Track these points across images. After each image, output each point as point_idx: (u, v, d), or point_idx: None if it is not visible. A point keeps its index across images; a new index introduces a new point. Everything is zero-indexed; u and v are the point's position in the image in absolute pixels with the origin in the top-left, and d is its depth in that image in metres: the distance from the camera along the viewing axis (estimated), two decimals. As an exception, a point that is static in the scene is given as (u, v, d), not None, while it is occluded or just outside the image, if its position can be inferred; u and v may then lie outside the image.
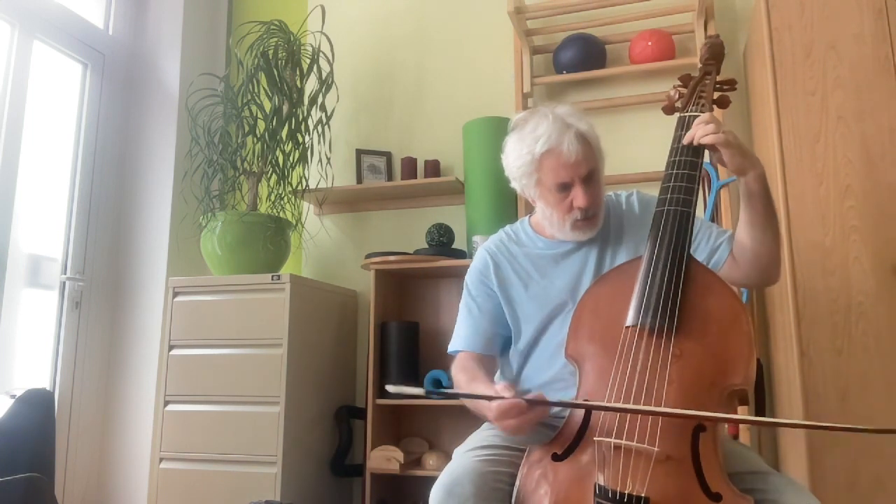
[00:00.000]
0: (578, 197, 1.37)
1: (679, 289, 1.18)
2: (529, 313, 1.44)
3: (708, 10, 2.47)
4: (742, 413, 2.07)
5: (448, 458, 1.29)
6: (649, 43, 2.49)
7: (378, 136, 2.93)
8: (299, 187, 2.71)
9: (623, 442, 1.08)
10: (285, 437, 2.24)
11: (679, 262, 1.20)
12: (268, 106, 2.64)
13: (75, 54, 2.70)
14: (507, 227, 1.58)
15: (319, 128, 2.69)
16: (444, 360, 2.23)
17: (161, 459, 2.33)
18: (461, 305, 1.52)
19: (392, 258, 2.49)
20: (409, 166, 2.75)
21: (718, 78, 1.46)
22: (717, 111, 1.65)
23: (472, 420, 1.36)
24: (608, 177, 2.11)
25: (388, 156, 2.87)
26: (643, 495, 1.03)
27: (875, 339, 1.77)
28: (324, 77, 2.69)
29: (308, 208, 2.93)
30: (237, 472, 2.25)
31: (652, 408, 1.09)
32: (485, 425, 1.42)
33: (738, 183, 1.32)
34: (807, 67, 1.95)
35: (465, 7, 2.90)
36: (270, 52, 2.63)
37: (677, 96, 1.47)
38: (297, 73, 2.70)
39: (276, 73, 2.61)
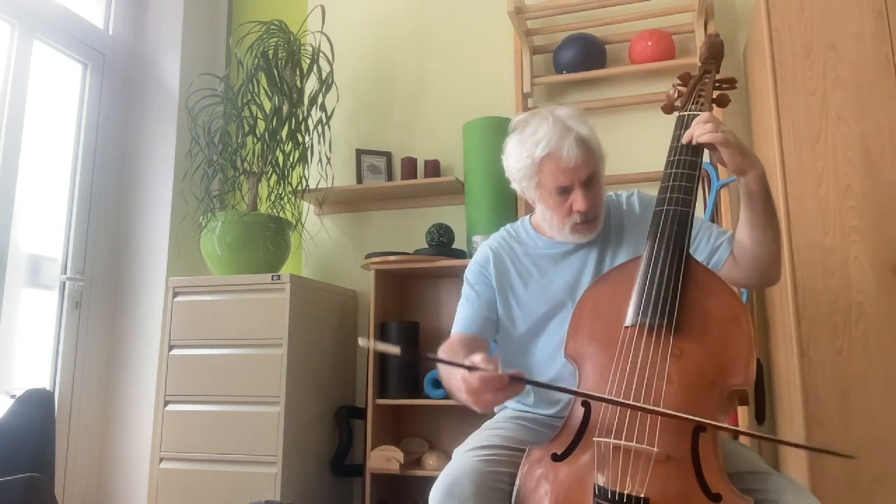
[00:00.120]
0: (578, 201, 1.37)
1: (678, 288, 1.17)
2: (528, 310, 1.45)
3: (708, 10, 2.46)
4: (742, 413, 2.07)
5: (448, 458, 1.29)
6: (649, 43, 2.49)
7: (378, 136, 2.93)
8: (299, 187, 2.71)
9: (623, 442, 1.08)
10: (285, 437, 2.24)
11: (678, 262, 1.20)
12: (268, 106, 2.64)
13: (75, 54, 2.70)
14: (508, 226, 1.58)
15: (319, 128, 2.69)
16: (444, 360, 2.23)
17: (161, 459, 2.33)
18: (461, 298, 1.53)
19: (392, 258, 2.49)
20: (409, 166, 2.75)
21: (718, 76, 1.46)
22: (716, 110, 1.66)
23: (472, 420, 1.36)
24: (608, 177, 2.11)
25: (388, 156, 2.87)
26: (643, 496, 1.03)
27: (875, 339, 1.77)
28: (324, 77, 2.69)
29: (308, 208, 2.93)
30: (237, 472, 2.25)
31: (636, 403, 1.08)
32: (485, 425, 1.42)
33: (737, 183, 1.32)
34: (807, 67, 1.94)
35: (465, 7, 2.90)
36: (270, 52, 2.63)
37: (676, 95, 1.46)
38: (297, 73, 2.70)
39: (276, 73, 2.61)
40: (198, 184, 2.68)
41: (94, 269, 2.70)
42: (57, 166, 2.64)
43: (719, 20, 2.53)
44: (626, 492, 1.03)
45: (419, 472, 2.33)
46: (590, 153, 1.37)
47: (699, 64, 1.49)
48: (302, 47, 2.75)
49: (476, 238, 2.42)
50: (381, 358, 2.44)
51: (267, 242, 2.48)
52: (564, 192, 1.38)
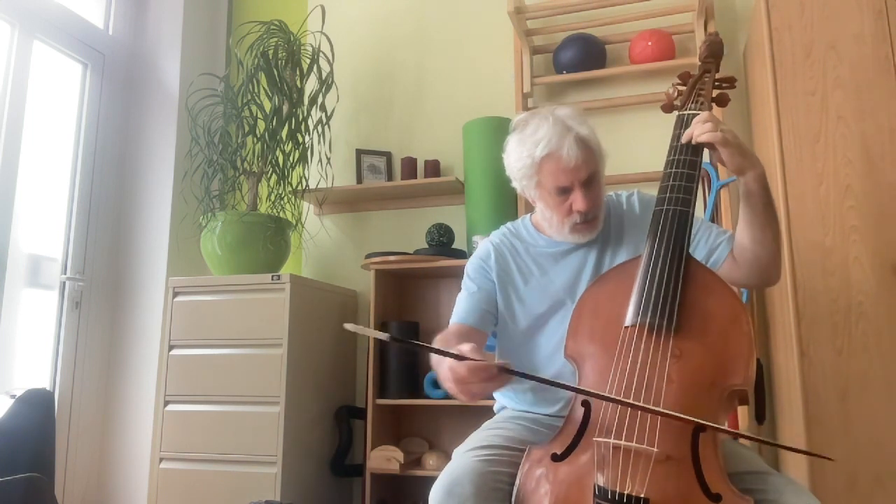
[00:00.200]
0: (578, 201, 1.37)
1: (678, 288, 1.17)
2: (528, 307, 1.45)
3: (708, 10, 2.46)
4: (742, 413, 2.07)
5: (448, 458, 1.29)
6: (649, 43, 2.49)
7: (378, 136, 2.93)
8: (299, 187, 2.71)
9: (622, 442, 1.07)
10: (285, 437, 2.24)
11: (678, 261, 1.20)
12: (268, 106, 2.64)
13: (75, 54, 2.70)
14: (510, 224, 1.59)
15: (319, 128, 2.69)
16: (443, 360, 2.23)
17: (161, 459, 2.33)
18: (461, 290, 1.53)
19: (392, 258, 2.49)
20: (409, 166, 2.75)
21: (718, 75, 1.46)
22: (716, 109, 1.65)
23: (472, 420, 1.36)
24: (608, 177, 2.10)
25: (388, 156, 2.87)
26: (643, 496, 1.03)
27: (875, 339, 1.77)
28: (324, 77, 2.69)
29: (308, 208, 2.93)
30: (237, 472, 2.25)
31: (632, 401, 1.08)
32: (484, 425, 1.42)
33: (737, 183, 1.32)
34: (807, 67, 1.94)
35: (465, 7, 2.90)
36: (270, 52, 2.63)
37: (676, 94, 1.46)
38: (297, 73, 2.70)
39: (276, 73, 2.61)
40: (198, 184, 2.68)
41: (94, 269, 2.70)
42: (57, 166, 2.63)
43: (719, 20, 2.53)
44: (625, 492, 1.03)
45: (419, 472, 2.33)
46: (590, 153, 1.37)
47: (699, 63, 1.49)
48: (302, 47, 2.75)
49: (476, 238, 2.42)
50: (381, 358, 2.44)
51: (267, 242, 2.48)
52: (564, 191, 1.38)
